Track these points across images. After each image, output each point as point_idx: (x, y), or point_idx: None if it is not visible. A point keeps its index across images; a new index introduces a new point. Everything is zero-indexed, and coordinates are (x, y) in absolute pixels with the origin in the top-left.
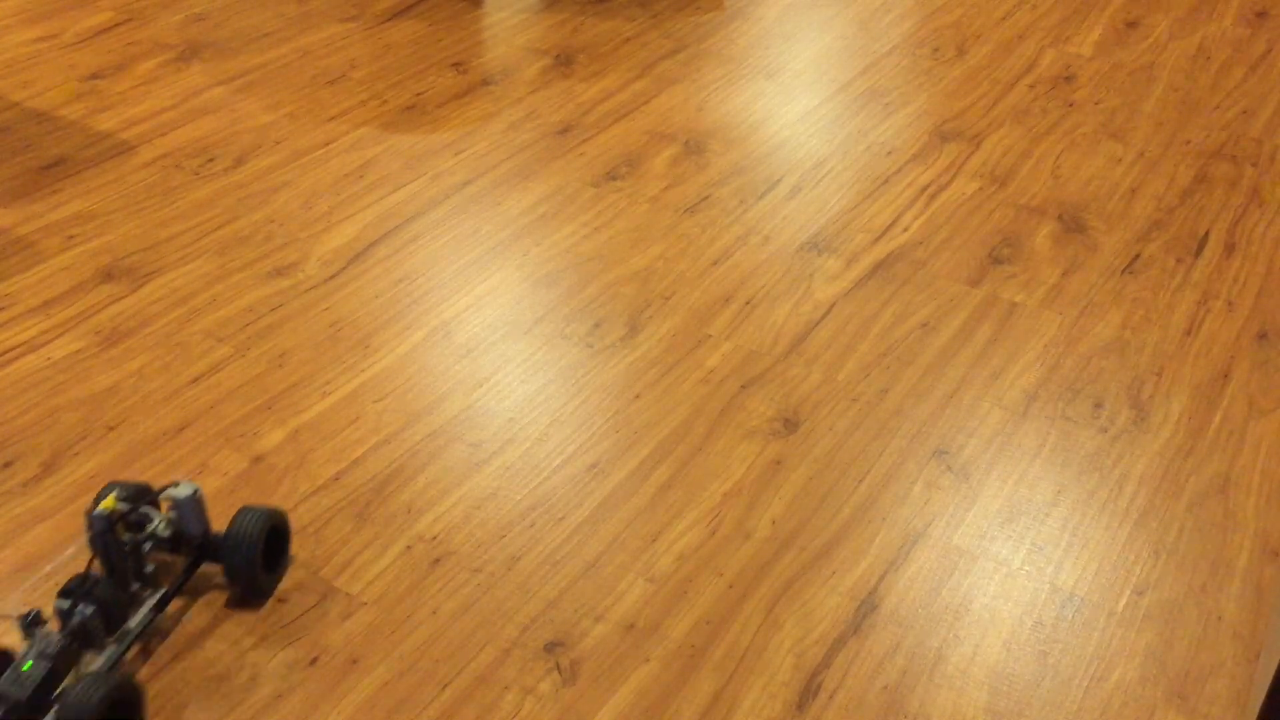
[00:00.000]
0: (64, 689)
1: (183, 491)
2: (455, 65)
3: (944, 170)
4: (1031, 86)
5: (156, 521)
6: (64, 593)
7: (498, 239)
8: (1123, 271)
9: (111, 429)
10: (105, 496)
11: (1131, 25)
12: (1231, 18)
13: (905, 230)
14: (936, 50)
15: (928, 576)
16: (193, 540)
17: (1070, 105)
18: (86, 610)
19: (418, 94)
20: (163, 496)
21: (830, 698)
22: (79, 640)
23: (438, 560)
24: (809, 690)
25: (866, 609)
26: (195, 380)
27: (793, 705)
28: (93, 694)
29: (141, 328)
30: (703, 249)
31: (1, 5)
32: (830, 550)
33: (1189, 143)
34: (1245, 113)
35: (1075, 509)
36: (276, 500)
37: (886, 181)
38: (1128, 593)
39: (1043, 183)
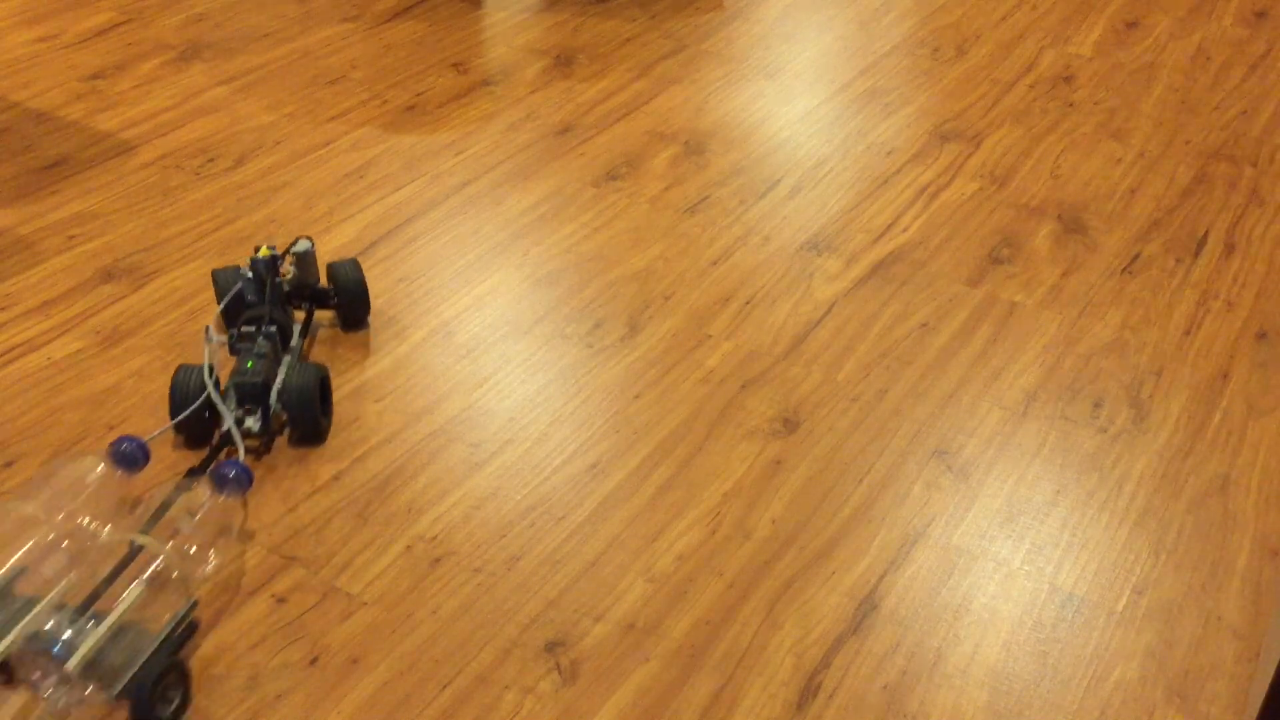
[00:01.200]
0: (280, 380)
1: (303, 246)
2: (455, 65)
3: (944, 170)
4: (1031, 86)
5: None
6: (249, 321)
7: (498, 239)
8: (1122, 271)
9: (112, 429)
10: (259, 250)
11: (1131, 25)
12: (1231, 18)
13: (905, 230)
14: (936, 50)
15: (928, 576)
16: (310, 287)
17: (1070, 105)
18: (271, 328)
19: (418, 94)
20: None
21: (830, 697)
22: (273, 349)
23: (438, 560)
24: (809, 690)
25: (866, 609)
26: None
27: (792, 705)
28: (308, 374)
29: (142, 328)
30: (703, 249)
31: (1, 5)
32: (830, 550)
33: (1189, 143)
34: (1245, 113)
35: (1075, 509)
36: (276, 500)
37: (886, 181)
38: (1127, 592)
39: (1042, 183)
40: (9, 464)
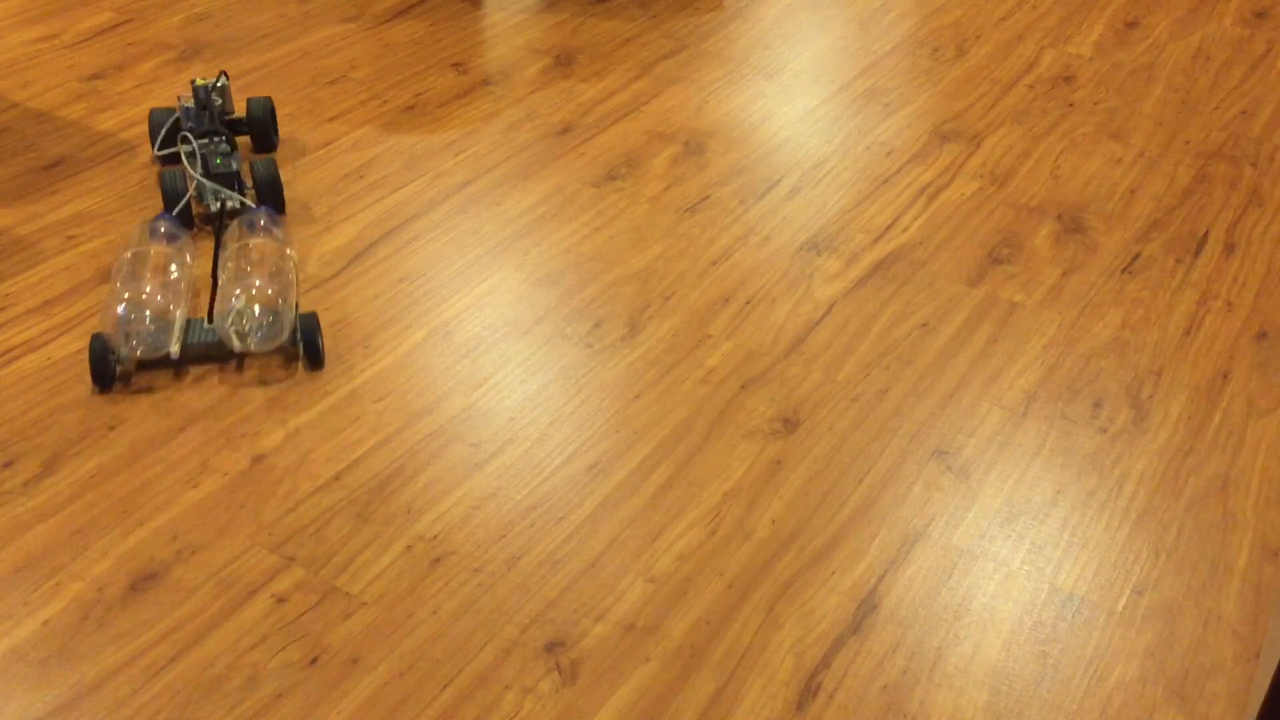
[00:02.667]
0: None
1: (222, 81)
2: (455, 65)
3: (944, 170)
4: (1031, 86)
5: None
6: (204, 135)
7: (498, 239)
8: (1122, 271)
9: (111, 429)
10: (196, 82)
11: (1131, 25)
12: (1231, 18)
13: (905, 230)
14: (936, 50)
15: (927, 576)
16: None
17: (1070, 105)
18: (220, 138)
19: (418, 94)
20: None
21: (830, 697)
22: (231, 151)
23: (438, 560)
24: (809, 690)
25: (866, 609)
26: (195, 380)
27: (792, 705)
28: (270, 167)
29: None
30: (703, 249)
31: (1, 5)
32: (830, 550)
33: (1189, 143)
34: (1245, 113)
35: (1075, 509)
36: (276, 500)
37: (886, 181)
38: (1127, 593)
39: (1042, 183)
40: (9, 464)
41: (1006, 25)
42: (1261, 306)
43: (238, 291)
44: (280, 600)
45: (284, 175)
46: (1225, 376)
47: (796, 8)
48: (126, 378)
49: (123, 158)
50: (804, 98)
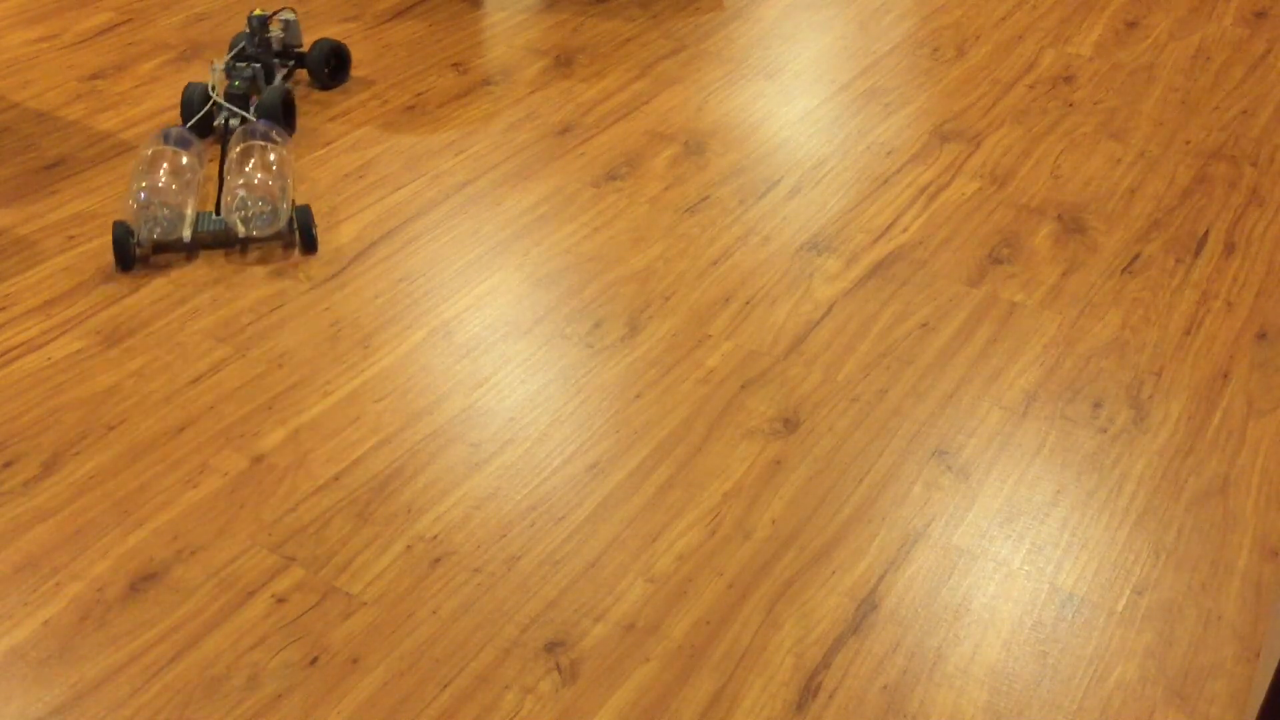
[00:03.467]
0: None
1: (288, 15)
2: (455, 65)
3: (944, 170)
4: (1031, 87)
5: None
6: (240, 58)
7: (498, 239)
8: (1122, 271)
9: (111, 429)
10: (252, 13)
11: (1131, 25)
12: (1231, 18)
13: (905, 230)
14: (936, 50)
15: (927, 576)
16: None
17: (1070, 105)
18: (256, 65)
19: (418, 94)
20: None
21: (830, 697)
22: (254, 78)
23: (438, 560)
24: (809, 690)
25: (866, 609)
26: (195, 380)
27: (792, 705)
28: (275, 91)
29: (141, 328)
30: (703, 249)
31: (1, 5)
32: (830, 550)
33: (1189, 143)
34: (1245, 113)
35: (1075, 509)
36: (276, 500)
37: (886, 181)
38: (1127, 593)
39: (1042, 183)
40: (9, 464)
41: (1006, 25)
42: (1261, 306)
43: (240, 185)
44: (280, 600)
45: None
46: (1225, 376)
47: (796, 8)
48: (145, 259)
49: (123, 158)
50: (804, 98)
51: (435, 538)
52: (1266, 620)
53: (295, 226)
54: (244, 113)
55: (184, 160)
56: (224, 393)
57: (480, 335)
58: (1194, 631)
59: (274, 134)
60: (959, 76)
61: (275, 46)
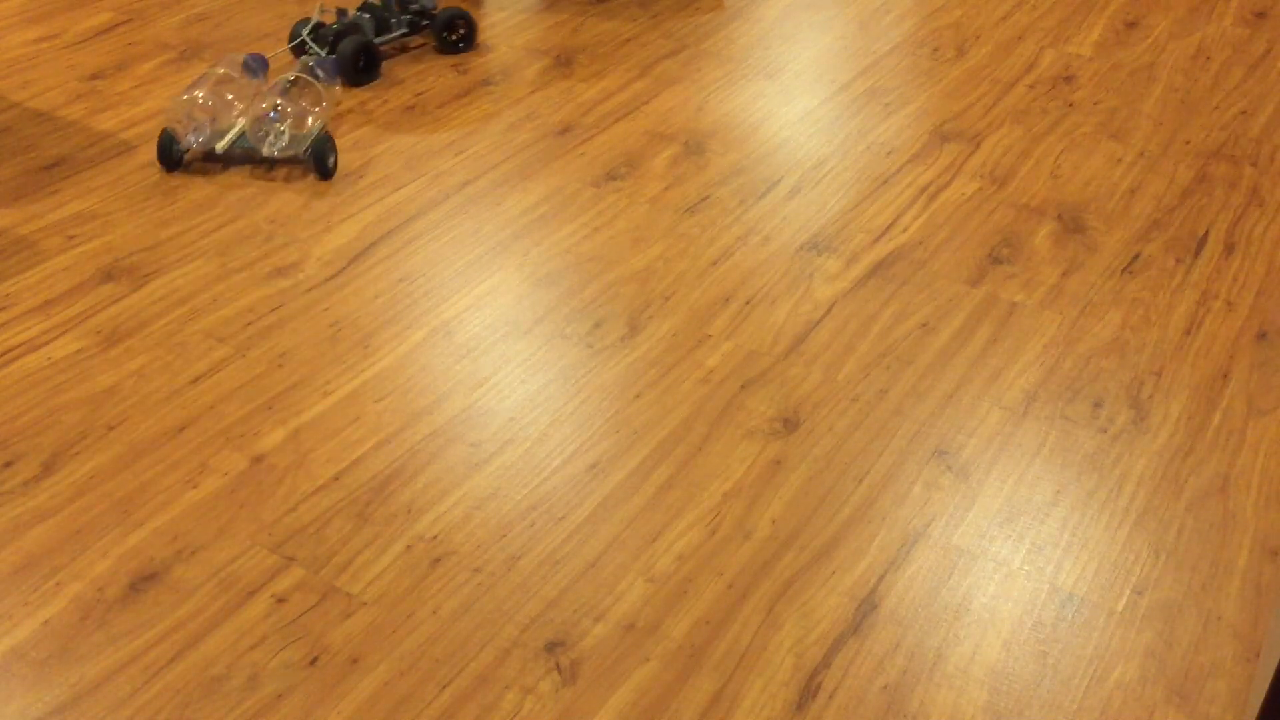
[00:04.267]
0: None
1: None
2: (455, 65)
3: (944, 170)
4: (1031, 86)
5: None
6: (362, 9)
7: (498, 239)
8: (1122, 271)
9: (111, 429)
10: None
11: (1131, 25)
12: (1231, 18)
13: (905, 230)
14: (936, 50)
15: (928, 576)
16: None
17: (1070, 105)
18: (365, 16)
19: (418, 94)
20: None
21: (830, 697)
22: (356, 22)
23: (438, 560)
24: (809, 690)
25: (866, 609)
26: (195, 380)
27: (792, 705)
28: (352, 43)
29: (141, 328)
30: (703, 249)
31: (1, 5)
32: (830, 550)
33: (1189, 143)
34: (1245, 113)
35: (1075, 509)
36: (276, 500)
37: (886, 181)
38: (1127, 593)
39: (1042, 183)
40: (9, 464)
41: (1006, 25)
42: (1261, 306)
43: (269, 106)
44: (280, 600)
45: (286, 175)
46: (1225, 376)
47: (796, 8)
48: (186, 164)
49: (123, 158)
50: (804, 98)
51: (435, 538)
52: (1266, 620)
53: (311, 153)
54: (319, 50)
55: (240, 81)
56: (224, 393)
57: (480, 335)
58: (1194, 631)
59: (323, 72)
60: (959, 76)
61: (411, 4)
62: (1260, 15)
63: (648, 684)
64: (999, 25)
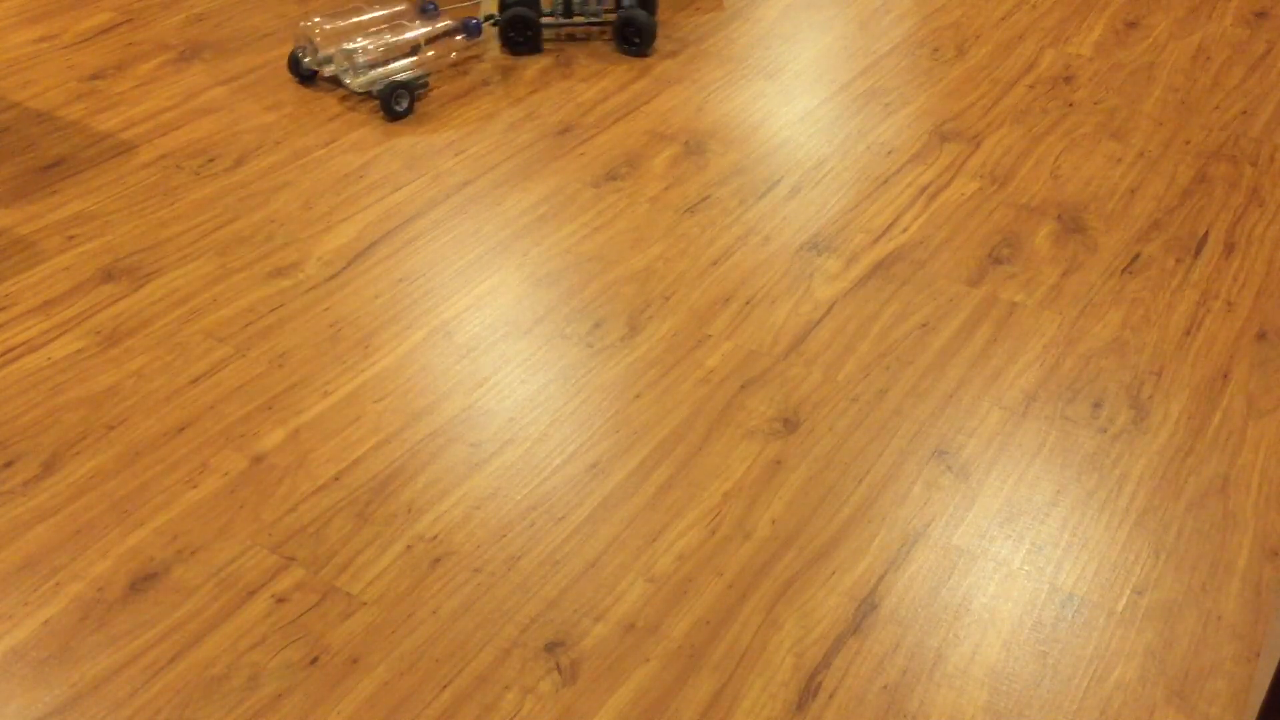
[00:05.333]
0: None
1: None
2: (455, 65)
3: (944, 170)
4: (1031, 86)
5: None
6: None
7: (498, 239)
8: (1122, 271)
9: (111, 429)
10: None
11: (1131, 25)
12: (1231, 18)
13: (905, 230)
14: (936, 50)
15: (927, 576)
16: None
17: (1070, 105)
18: None
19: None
20: None
21: (830, 697)
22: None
23: (438, 560)
24: (809, 690)
25: (866, 609)
26: (195, 380)
27: (792, 705)
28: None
29: (142, 328)
30: (703, 249)
31: (1, 5)
32: (830, 550)
33: (1189, 143)
34: (1245, 113)
35: (1075, 509)
36: (276, 500)
37: (886, 181)
38: (1127, 593)
39: (1042, 183)
40: (9, 464)
41: (1006, 25)
42: (1261, 306)
43: (356, 40)
44: (280, 600)
45: (286, 175)
46: (1225, 376)
47: (796, 8)
48: (312, 78)
49: (123, 158)
50: (804, 98)
51: (435, 538)
52: (1266, 620)
53: (381, 93)
54: (494, 10)
55: (381, 22)
56: (224, 393)
57: (480, 335)
58: (1194, 631)
59: (443, 26)
60: (959, 76)
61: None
62: (1260, 15)
63: (648, 684)
64: (999, 25)
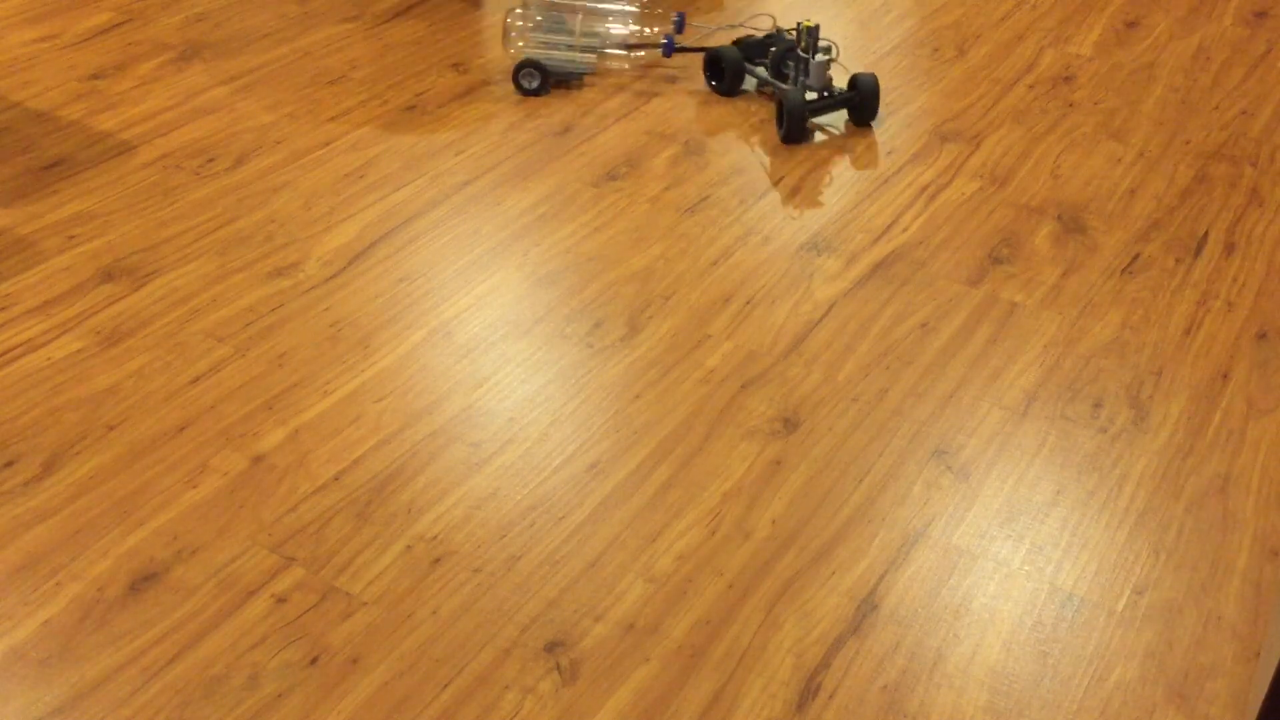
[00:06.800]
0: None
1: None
2: (455, 65)
3: (944, 170)
4: (1031, 87)
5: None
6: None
7: (498, 239)
8: (1122, 271)
9: (111, 429)
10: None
11: (1131, 25)
12: (1231, 18)
13: (905, 230)
14: (936, 50)
15: (927, 576)
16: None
17: (1070, 105)
18: (793, 63)
19: (418, 94)
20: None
21: (830, 698)
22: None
23: (438, 560)
24: (809, 690)
25: (866, 609)
26: (195, 380)
27: (792, 705)
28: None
29: (141, 328)
30: (703, 249)
31: (1, 5)
32: (830, 550)
33: (1189, 143)
34: (1245, 113)
35: (1075, 509)
36: (276, 500)
37: (886, 181)
38: (1127, 593)
39: (1042, 183)
40: (9, 464)
41: (1006, 25)
42: (1261, 306)
43: (564, 32)
44: (280, 600)
45: (285, 175)
46: (1225, 376)
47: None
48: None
49: (123, 158)
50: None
51: (435, 538)
52: (1266, 620)
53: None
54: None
55: (572, 26)
56: (224, 393)
57: (480, 335)
58: (1194, 631)
59: (650, 37)
60: (959, 76)
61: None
62: (1260, 15)
63: (648, 684)
64: (999, 25)
